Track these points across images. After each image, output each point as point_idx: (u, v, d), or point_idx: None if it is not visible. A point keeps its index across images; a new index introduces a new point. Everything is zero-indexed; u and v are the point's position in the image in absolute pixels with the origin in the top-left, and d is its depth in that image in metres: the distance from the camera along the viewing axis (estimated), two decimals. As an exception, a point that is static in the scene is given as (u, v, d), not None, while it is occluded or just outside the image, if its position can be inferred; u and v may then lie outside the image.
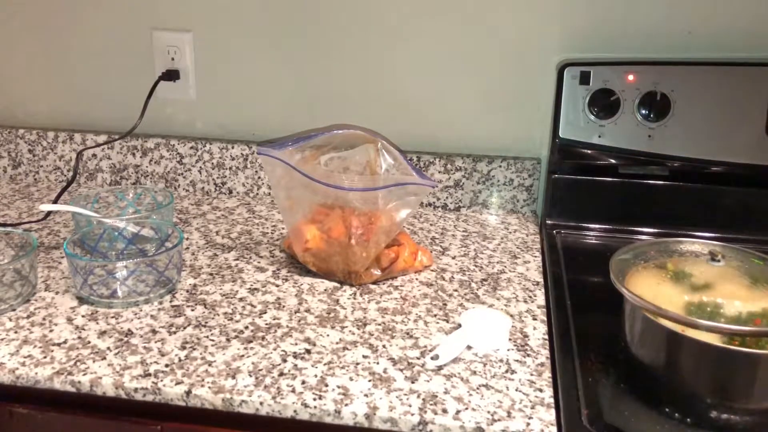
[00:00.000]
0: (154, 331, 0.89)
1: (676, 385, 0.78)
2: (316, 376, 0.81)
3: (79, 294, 0.96)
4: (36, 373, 0.81)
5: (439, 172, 1.29)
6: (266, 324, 0.91)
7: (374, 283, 1.03)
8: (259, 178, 1.36)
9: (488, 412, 0.76)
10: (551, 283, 1.02)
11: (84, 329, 0.89)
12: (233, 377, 0.80)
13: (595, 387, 0.80)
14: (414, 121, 1.29)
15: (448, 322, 0.93)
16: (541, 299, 0.99)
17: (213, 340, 0.87)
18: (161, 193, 1.21)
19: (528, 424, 0.74)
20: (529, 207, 1.28)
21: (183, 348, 0.86)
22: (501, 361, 0.85)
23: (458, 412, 0.75)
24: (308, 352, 0.86)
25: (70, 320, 0.91)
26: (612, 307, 0.85)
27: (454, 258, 1.11)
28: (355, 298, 0.98)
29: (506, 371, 0.83)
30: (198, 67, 1.34)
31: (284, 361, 0.84)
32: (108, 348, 0.86)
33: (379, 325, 0.92)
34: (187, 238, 1.17)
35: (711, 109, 1.11)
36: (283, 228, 1.21)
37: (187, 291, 0.99)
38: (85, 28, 1.35)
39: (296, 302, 0.97)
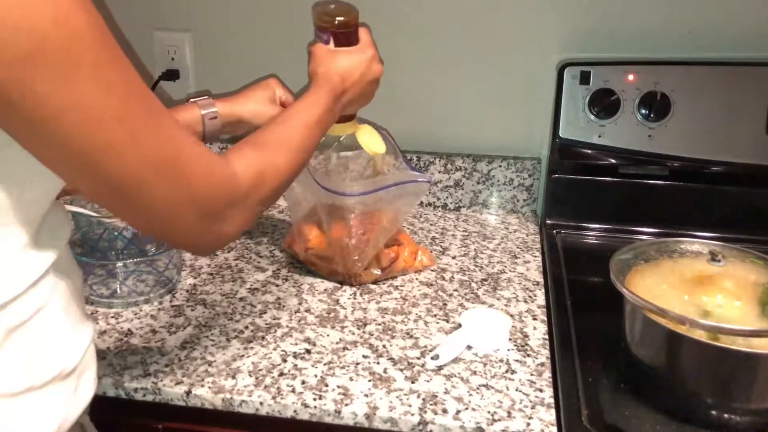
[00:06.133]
0: (154, 331, 0.89)
1: (676, 385, 0.78)
2: (316, 376, 0.81)
3: (79, 294, 0.96)
4: (36, 373, 0.81)
5: (439, 171, 1.29)
6: (266, 324, 0.91)
7: (374, 282, 1.03)
8: (259, 178, 1.35)
9: (488, 412, 0.76)
10: (551, 283, 1.02)
11: (84, 329, 0.89)
12: (233, 377, 0.80)
13: (595, 387, 0.80)
14: (414, 121, 1.29)
15: (448, 322, 0.93)
16: (541, 299, 0.99)
17: (213, 340, 0.87)
18: (161, 193, 1.21)
19: (528, 424, 0.74)
20: (529, 207, 1.28)
21: (183, 348, 0.86)
22: (501, 361, 0.85)
23: (458, 412, 0.75)
24: (308, 352, 0.86)
25: (70, 320, 0.91)
26: (612, 307, 0.85)
27: (454, 258, 1.11)
28: (355, 298, 0.98)
29: (506, 371, 0.83)
30: (198, 66, 1.34)
31: (284, 361, 0.84)
32: (108, 348, 0.86)
33: (379, 325, 0.92)
34: (187, 238, 1.17)
35: (711, 109, 1.11)
36: (283, 228, 1.21)
37: (187, 291, 0.99)
38: (85, 27, 1.35)
39: (296, 302, 0.97)
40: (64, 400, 0.60)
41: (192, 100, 0.91)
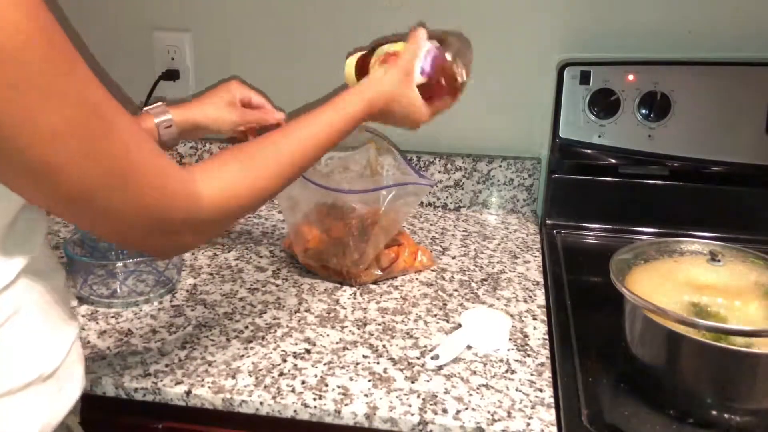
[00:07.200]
0: (154, 331, 0.89)
1: (676, 385, 0.78)
2: (316, 376, 0.81)
3: (79, 294, 0.96)
4: (36, 373, 0.80)
5: (439, 172, 1.29)
6: (266, 324, 0.91)
7: (374, 283, 1.03)
8: (259, 178, 1.35)
9: (488, 412, 0.76)
10: (551, 283, 1.02)
11: (84, 329, 0.89)
12: (233, 377, 0.80)
13: (595, 387, 0.80)
14: (414, 121, 1.29)
15: (448, 322, 0.93)
16: (541, 299, 0.99)
17: (213, 340, 0.87)
18: (161, 193, 1.21)
19: (528, 424, 0.74)
20: (529, 207, 1.28)
21: (183, 348, 0.86)
22: (501, 361, 0.85)
23: (458, 412, 0.75)
24: (308, 352, 0.86)
25: (70, 320, 0.91)
26: (612, 307, 0.85)
27: (454, 258, 1.11)
28: (355, 298, 0.98)
29: (506, 371, 0.83)
30: (198, 67, 1.34)
31: (284, 361, 0.84)
32: (108, 348, 0.86)
33: (379, 325, 0.92)
34: (187, 238, 1.17)
35: (711, 109, 1.11)
36: (283, 228, 1.21)
37: (187, 291, 0.99)
38: (85, 28, 1.35)
39: (296, 302, 0.97)
40: (46, 402, 0.60)
41: (146, 108, 0.88)
